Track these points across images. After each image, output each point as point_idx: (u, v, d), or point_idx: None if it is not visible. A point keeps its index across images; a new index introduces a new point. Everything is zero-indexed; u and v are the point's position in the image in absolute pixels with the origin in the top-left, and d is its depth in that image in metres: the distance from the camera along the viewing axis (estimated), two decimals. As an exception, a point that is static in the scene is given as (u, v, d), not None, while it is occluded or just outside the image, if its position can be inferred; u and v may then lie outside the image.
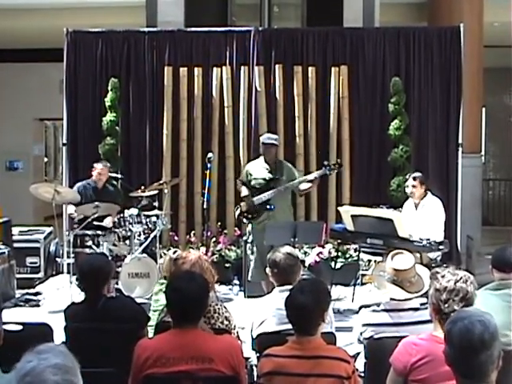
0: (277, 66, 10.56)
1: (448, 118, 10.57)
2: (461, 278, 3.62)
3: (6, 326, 4.46)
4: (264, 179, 8.39)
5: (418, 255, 7.52)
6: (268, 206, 8.26)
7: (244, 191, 8.54)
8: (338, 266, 9.41)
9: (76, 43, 10.66)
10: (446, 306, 3.56)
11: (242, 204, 8.55)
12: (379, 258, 8.29)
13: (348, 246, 9.83)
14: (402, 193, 9.97)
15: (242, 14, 12.48)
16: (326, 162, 8.53)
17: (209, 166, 8.80)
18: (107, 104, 10.46)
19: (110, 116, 10.46)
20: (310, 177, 8.41)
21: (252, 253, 8.65)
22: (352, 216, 8.12)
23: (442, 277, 3.64)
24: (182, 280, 3.94)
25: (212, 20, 11.75)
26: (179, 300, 3.81)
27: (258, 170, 8.49)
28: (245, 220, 8.62)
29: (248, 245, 9.01)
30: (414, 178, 8.62)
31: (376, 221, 7.93)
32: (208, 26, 10.94)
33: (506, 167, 18.23)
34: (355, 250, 9.55)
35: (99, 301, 4.73)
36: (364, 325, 4.57)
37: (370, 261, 9.32)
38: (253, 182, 8.46)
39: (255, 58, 10.55)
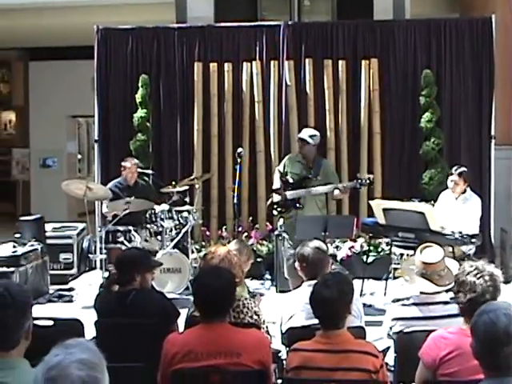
0: (307, 59, 10.52)
1: (480, 109, 10.46)
2: (472, 271, 3.63)
3: (37, 322, 4.53)
4: (298, 175, 8.32)
5: (450, 249, 7.49)
6: (297, 205, 8.21)
7: (276, 184, 8.48)
8: (370, 260, 9.40)
9: (106, 40, 10.72)
10: (457, 296, 3.65)
11: (274, 195, 8.47)
12: (411, 252, 8.23)
13: (380, 240, 9.77)
14: (433, 186, 9.92)
15: (271, 7, 12.44)
16: (358, 175, 8.43)
17: (239, 160, 8.75)
18: (138, 100, 10.52)
19: (140, 112, 10.51)
20: (339, 186, 8.22)
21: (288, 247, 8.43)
22: (383, 209, 8.07)
23: (461, 268, 3.68)
24: (207, 275, 3.97)
25: (242, 15, 11.71)
26: (205, 295, 3.84)
27: (295, 164, 8.43)
28: (274, 212, 8.54)
29: (280, 239, 8.97)
30: (460, 175, 8.49)
31: (408, 214, 7.88)
32: (238, 20, 10.93)
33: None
34: (387, 244, 9.49)
35: (129, 294, 4.76)
36: (394, 319, 4.55)
37: (402, 254, 9.24)
38: (288, 175, 8.38)
39: (285, 52, 10.52)
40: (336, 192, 8.20)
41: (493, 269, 3.70)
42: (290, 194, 8.25)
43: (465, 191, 8.58)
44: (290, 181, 8.30)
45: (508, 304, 2.84)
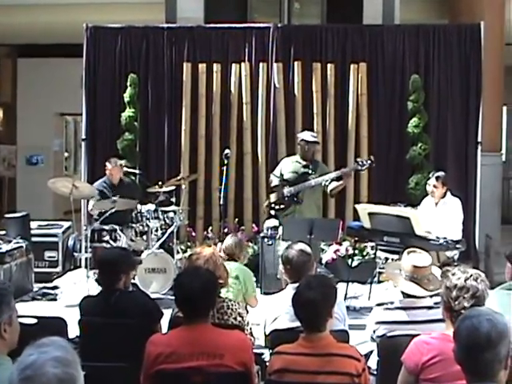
0: (295, 62, 10.55)
1: (467, 116, 10.52)
2: (471, 275, 3.60)
3: (20, 320, 4.51)
4: (296, 173, 8.34)
5: (434, 254, 7.51)
6: (295, 199, 8.22)
7: (274, 181, 8.52)
8: (355, 263, 9.41)
9: (95, 39, 10.72)
10: (456, 303, 3.55)
11: (271, 195, 8.51)
12: (396, 256, 8.25)
13: (365, 244, 9.79)
14: (420, 191, 9.93)
15: (262, 10, 12.45)
16: (358, 159, 8.48)
17: (225, 162, 8.75)
18: (126, 100, 10.51)
19: (128, 112, 10.50)
20: (338, 173, 8.31)
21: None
22: (369, 214, 8.09)
23: (453, 275, 3.63)
24: (186, 276, 3.97)
25: (232, 16, 11.72)
26: (183, 296, 3.84)
27: (292, 164, 8.47)
28: (272, 211, 8.56)
29: (273, 241, 8.93)
30: (437, 179, 8.54)
31: (393, 219, 7.90)
32: (228, 22, 10.93)
33: (527, 166, 18.05)
34: (372, 248, 9.52)
35: (113, 295, 4.75)
36: (377, 322, 4.55)
37: (387, 259, 9.26)
38: (285, 176, 8.42)
39: (274, 54, 10.54)
40: (334, 184, 8.24)
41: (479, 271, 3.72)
42: (287, 190, 8.27)
43: (444, 195, 8.61)
44: (289, 179, 8.30)
45: (491, 310, 2.86)
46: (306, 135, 8.56)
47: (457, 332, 2.77)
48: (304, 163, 8.37)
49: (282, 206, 8.34)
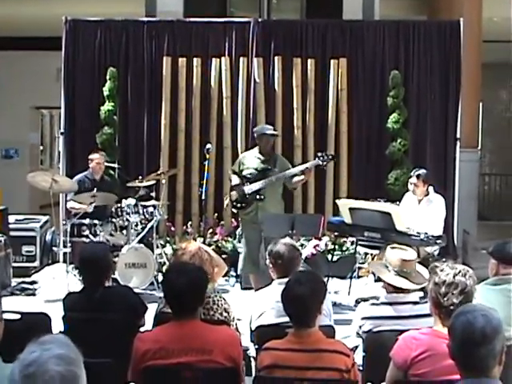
0: (276, 57, 10.53)
1: (446, 112, 10.57)
2: (459, 271, 3.62)
3: (3, 315, 4.47)
4: (256, 169, 8.13)
5: (414, 249, 7.54)
6: (258, 197, 8.03)
7: (234, 180, 8.27)
8: (335, 258, 9.44)
9: (75, 32, 10.61)
10: (446, 299, 3.56)
11: (232, 193, 8.29)
12: (376, 252, 8.29)
13: (345, 239, 9.82)
14: (399, 186, 9.98)
15: (240, 4, 12.46)
16: (319, 153, 8.25)
17: (207, 156, 8.71)
18: (105, 93, 10.43)
19: (107, 105, 10.42)
20: (302, 167, 8.19)
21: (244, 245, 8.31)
22: (350, 209, 8.11)
23: (441, 270, 3.64)
24: (172, 273, 3.96)
25: (211, 10, 11.72)
26: (171, 292, 3.83)
27: (251, 160, 8.24)
28: (234, 210, 8.44)
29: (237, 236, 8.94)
30: (418, 177, 8.55)
31: (374, 214, 7.92)
32: (207, 16, 10.91)
33: (502, 162, 18.24)
34: (352, 243, 9.55)
35: (97, 290, 4.73)
36: (363, 318, 4.55)
37: (366, 254, 9.31)
38: (245, 172, 8.19)
39: (254, 49, 10.52)
40: (296, 178, 8.10)
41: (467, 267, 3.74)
42: (247, 188, 8.08)
43: (428, 193, 8.63)
44: (249, 176, 8.12)
45: (485, 306, 2.87)
46: (261, 128, 8.47)
47: (452, 328, 2.78)
48: (263, 158, 8.17)
49: (243, 205, 8.19)
